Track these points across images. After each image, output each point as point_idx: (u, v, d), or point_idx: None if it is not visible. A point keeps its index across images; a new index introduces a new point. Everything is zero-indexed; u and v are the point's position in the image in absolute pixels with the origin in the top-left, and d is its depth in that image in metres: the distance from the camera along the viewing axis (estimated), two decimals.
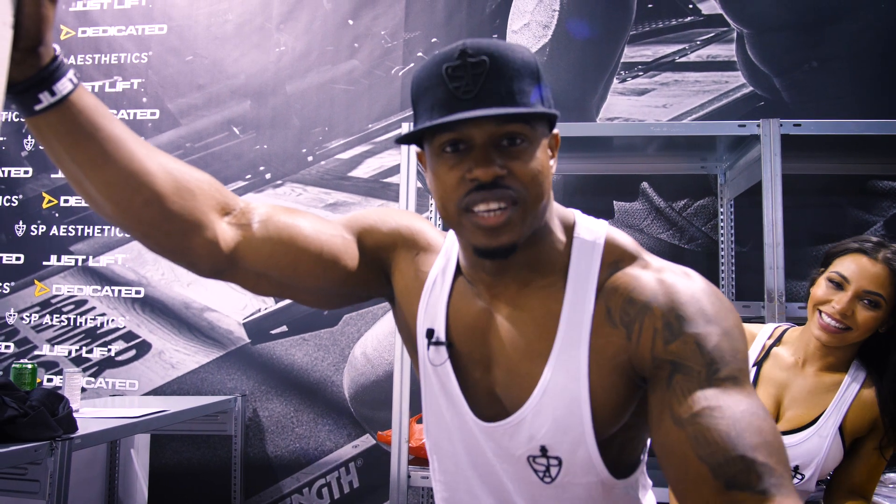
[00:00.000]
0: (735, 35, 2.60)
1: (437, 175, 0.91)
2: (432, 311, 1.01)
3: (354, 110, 2.79)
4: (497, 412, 0.97)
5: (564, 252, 0.95)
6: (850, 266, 1.47)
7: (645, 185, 2.57)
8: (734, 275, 2.44)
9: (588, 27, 2.63)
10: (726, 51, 2.59)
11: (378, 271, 1.05)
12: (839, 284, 1.48)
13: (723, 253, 2.46)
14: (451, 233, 1.08)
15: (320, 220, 1.00)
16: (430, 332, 1.00)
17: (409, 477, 2.07)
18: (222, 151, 2.89)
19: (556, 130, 0.94)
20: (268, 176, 2.84)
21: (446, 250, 1.06)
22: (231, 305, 2.80)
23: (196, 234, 0.86)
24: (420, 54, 2.76)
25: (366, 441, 2.66)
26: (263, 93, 2.88)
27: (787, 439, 1.58)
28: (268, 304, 2.78)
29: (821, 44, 2.53)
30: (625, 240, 0.95)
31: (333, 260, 0.97)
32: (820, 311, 1.49)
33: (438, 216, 1.00)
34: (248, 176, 2.84)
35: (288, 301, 2.76)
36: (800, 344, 1.58)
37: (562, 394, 0.91)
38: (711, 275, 2.42)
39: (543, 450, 0.93)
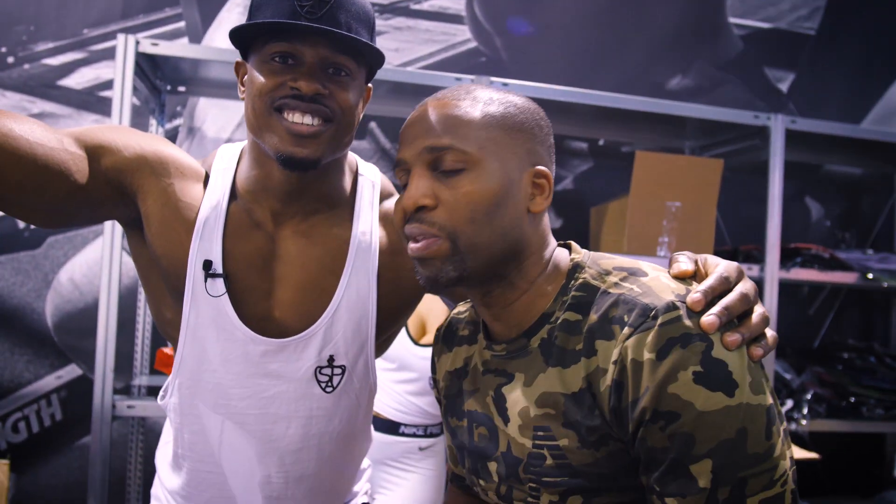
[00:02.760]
0: None
1: (256, 78, 0.96)
2: (207, 243, 0.99)
3: (67, 11, 2.50)
4: (279, 332, 1.02)
5: (351, 188, 1.08)
6: None
7: (373, 125, 2.67)
8: None
9: None
10: (456, 4, 2.75)
11: (114, 193, 0.98)
12: None
13: None
14: (221, 158, 1.07)
15: (43, 128, 0.89)
16: (207, 264, 0.98)
17: (114, 407, 2.01)
18: None
19: (370, 85, 1.05)
20: None
21: (217, 178, 1.04)
22: None
23: None
24: None
25: (71, 371, 2.50)
26: None
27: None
28: None
29: (538, 11, 2.80)
30: (384, 177, 1.13)
31: (52, 173, 0.88)
32: None
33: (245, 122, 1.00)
34: None
35: None
36: None
37: (354, 307, 1.03)
38: None
39: (331, 360, 1.02)
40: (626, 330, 0.74)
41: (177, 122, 2.56)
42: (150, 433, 2.49)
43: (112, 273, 1.97)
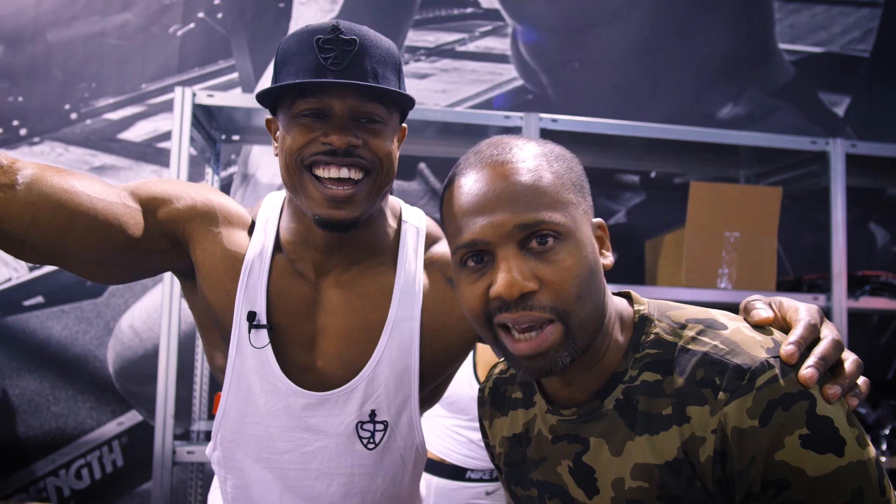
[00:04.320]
0: (510, 30, 2.78)
1: (287, 137, 0.94)
2: (252, 294, 0.99)
3: (126, 68, 2.61)
4: (320, 385, 1.00)
5: (394, 235, 1.05)
6: None
7: (422, 165, 2.69)
8: None
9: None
10: (502, 44, 2.77)
11: (168, 243, 0.99)
12: None
13: None
14: (266, 207, 1.07)
15: (101, 184, 0.92)
16: (251, 315, 0.98)
17: (174, 452, 2.02)
18: None
19: (404, 125, 1.03)
20: (23, 132, 2.57)
21: (262, 227, 1.03)
22: None
23: None
24: (201, 15, 2.64)
25: (132, 417, 2.54)
26: (19, 39, 2.59)
27: None
28: (20, 273, 2.53)
29: (582, 47, 2.80)
30: (431, 222, 1.09)
31: (111, 228, 0.91)
32: None
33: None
34: (0, 131, 2.55)
35: (44, 269, 2.54)
36: None
37: (397, 360, 1.00)
38: None
39: (373, 415, 0.99)
40: (722, 395, 0.69)
41: (231, 169, 2.62)
42: (209, 478, 2.49)
43: (171, 320, 2.00)
